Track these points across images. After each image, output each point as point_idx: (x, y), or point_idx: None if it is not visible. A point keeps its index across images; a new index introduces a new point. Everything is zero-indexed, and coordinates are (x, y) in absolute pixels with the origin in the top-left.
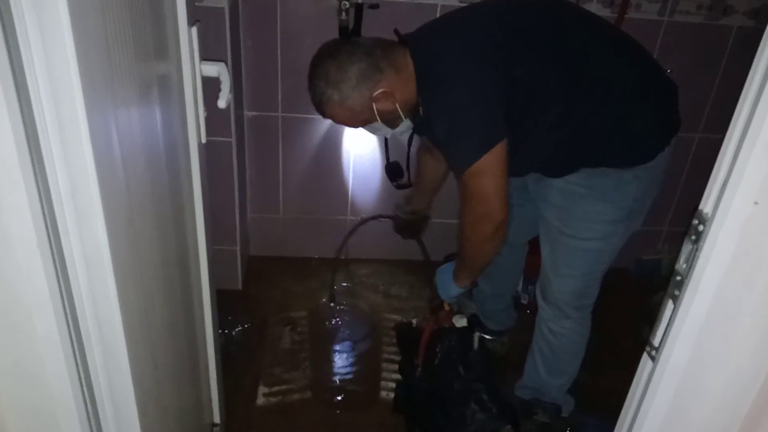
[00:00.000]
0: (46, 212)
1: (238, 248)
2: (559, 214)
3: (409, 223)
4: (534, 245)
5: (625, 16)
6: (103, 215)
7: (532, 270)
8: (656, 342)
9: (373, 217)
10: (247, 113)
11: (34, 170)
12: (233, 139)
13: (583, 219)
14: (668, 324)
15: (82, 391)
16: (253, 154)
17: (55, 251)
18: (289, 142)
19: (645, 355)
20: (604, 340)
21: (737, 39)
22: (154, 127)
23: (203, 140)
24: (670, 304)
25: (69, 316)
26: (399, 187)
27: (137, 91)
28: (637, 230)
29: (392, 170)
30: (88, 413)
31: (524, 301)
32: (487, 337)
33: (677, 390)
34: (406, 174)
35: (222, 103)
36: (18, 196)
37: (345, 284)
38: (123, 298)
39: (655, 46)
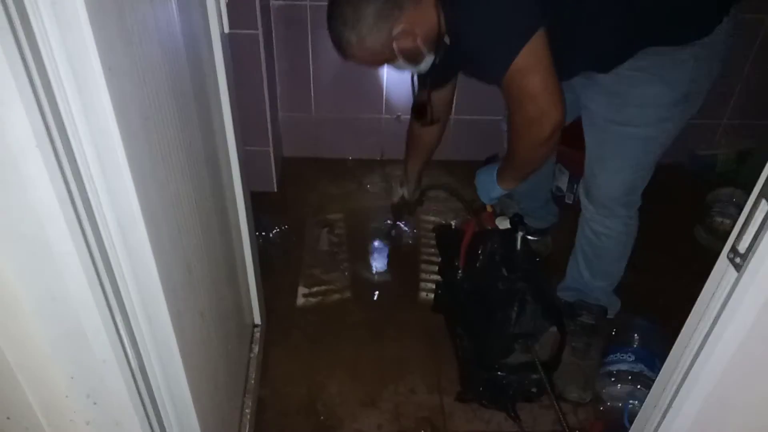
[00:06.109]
0: (48, 109)
1: (270, 149)
2: (609, 101)
3: (406, 202)
4: (578, 139)
5: None
6: (114, 112)
7: (577, 167)
8: (742, 248)
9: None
10: (274, 2)
11: (26, 65)
12: (260, 32)
13: (635, 105)
14: (760, 228)
15: (107, 300)
16: (281, 48)
17: (64, 155)
18: (319, 34)
19: (725, 260)
20: (652, 239)
21: None
22: (169, 14)
23: (226, 30)
24: (764, 205)
25: (87, 223)
26: (425, 125)
27: None
28: (693, 122)
29: (420, 109)
30: (115, 323)
31: (569, 201)
32: (531, 237)
33: (766, 306)
34: (429, 112)
35: None
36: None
37: (382, 184)
38: (145, 201)
39: None
